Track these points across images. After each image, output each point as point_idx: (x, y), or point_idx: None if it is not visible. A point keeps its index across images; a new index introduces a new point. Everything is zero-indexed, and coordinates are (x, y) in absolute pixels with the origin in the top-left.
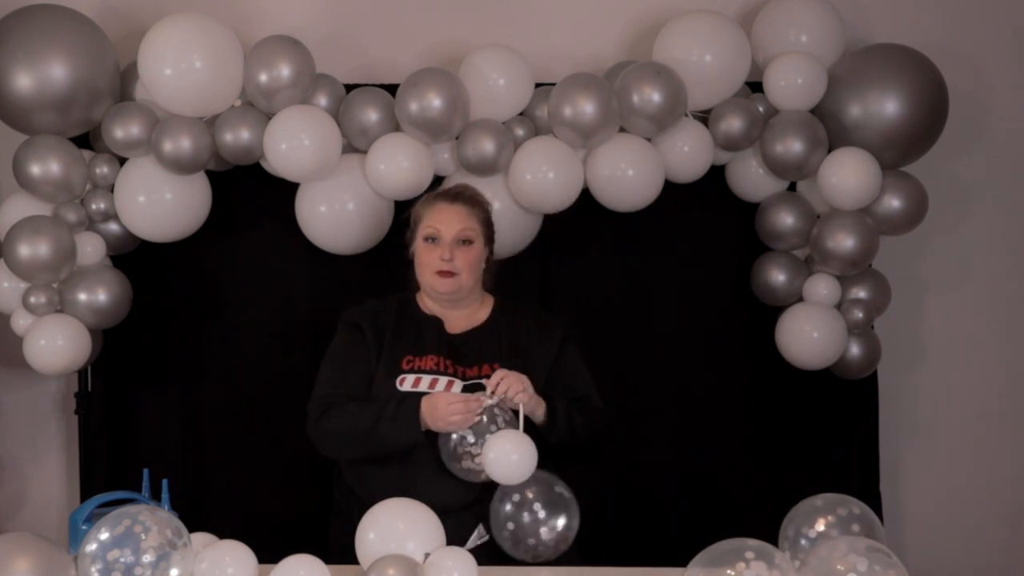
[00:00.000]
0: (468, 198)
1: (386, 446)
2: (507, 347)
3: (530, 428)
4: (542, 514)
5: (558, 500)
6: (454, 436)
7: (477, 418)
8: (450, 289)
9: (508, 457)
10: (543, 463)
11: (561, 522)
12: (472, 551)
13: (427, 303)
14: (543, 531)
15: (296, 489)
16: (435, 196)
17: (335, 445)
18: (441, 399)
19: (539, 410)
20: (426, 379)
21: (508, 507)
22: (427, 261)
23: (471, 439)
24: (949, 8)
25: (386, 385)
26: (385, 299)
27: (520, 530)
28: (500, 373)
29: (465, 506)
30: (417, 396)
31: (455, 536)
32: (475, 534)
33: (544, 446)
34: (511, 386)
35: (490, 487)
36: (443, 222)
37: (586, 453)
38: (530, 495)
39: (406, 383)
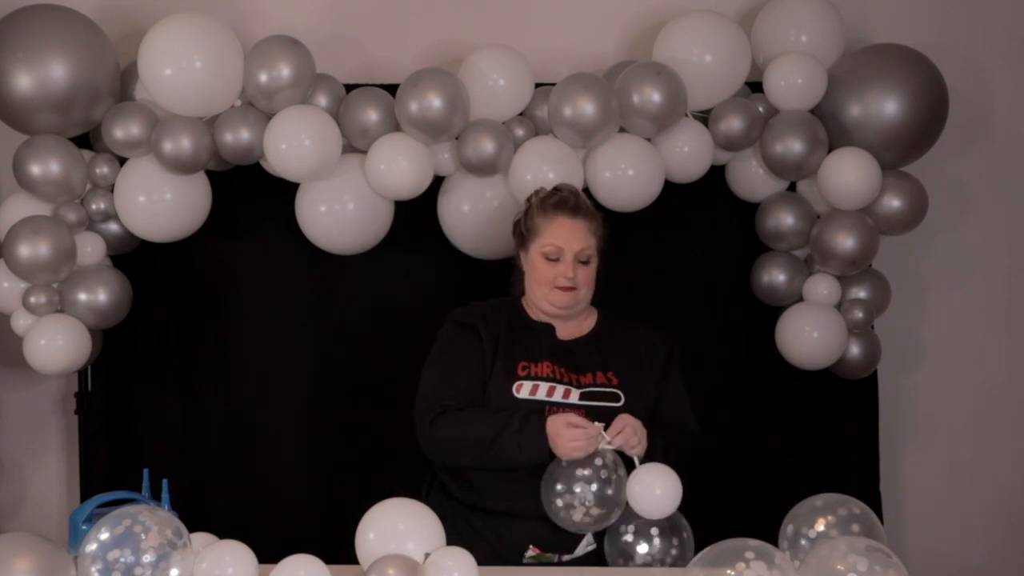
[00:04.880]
0: (587, 211)
1: (506, 460)
2: (617, 354)
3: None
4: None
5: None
6: (563, 495)
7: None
8: (569, 303)
9: (653, 491)
10: None
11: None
12: (580, 558)
13: (535, 310)
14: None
15: (296, 489)
16: (553, 207)
17: (448, 450)
18: (564, 431)
19: (643, 450)
20: (544, 386)
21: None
22: (547, 277)
23: (585, 496)
24: (949, 8)
25: (503, 390)
26: (488, 302)
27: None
28: (624, 420)
29: None
30: (541, 415)
31: (562, 543)
32: (584, 541)
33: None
34: (629, 439)
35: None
36: (565, 240)
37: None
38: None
39: (523, 390)
